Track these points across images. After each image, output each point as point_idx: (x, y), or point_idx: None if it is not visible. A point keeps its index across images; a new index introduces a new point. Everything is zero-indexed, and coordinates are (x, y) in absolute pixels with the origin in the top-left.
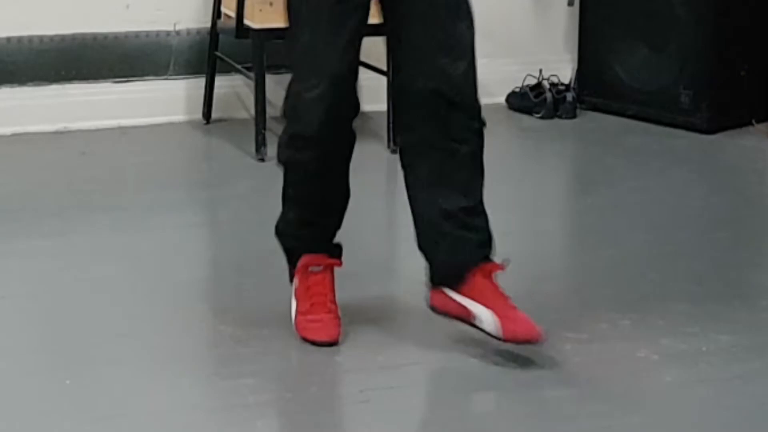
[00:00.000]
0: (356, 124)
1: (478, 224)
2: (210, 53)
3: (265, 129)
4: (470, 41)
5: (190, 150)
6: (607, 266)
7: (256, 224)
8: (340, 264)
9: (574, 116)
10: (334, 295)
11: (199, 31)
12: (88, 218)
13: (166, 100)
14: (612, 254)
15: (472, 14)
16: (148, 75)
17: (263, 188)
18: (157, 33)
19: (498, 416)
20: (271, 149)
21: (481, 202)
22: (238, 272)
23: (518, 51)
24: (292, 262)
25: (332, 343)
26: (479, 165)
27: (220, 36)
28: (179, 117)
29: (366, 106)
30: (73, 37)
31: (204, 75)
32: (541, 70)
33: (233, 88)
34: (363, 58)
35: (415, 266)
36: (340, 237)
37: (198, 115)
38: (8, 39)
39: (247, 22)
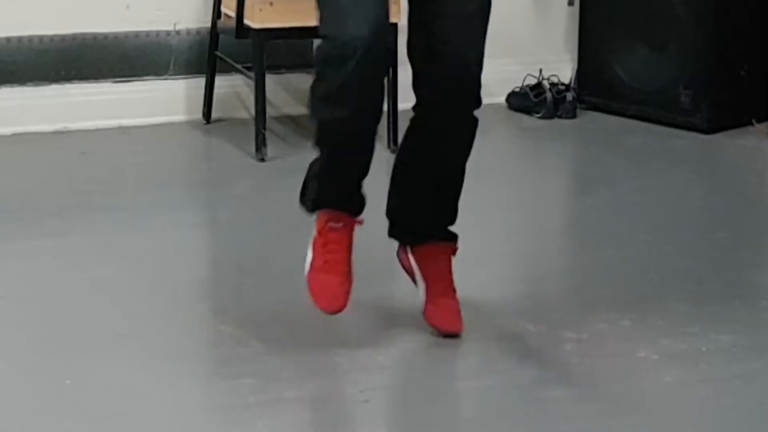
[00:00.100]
0: None
1: (453, 204)
2: (210, 53)
3: (265, 129)
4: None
5: (190, 150)
6: (607, 266)
7: (256, 224)
8: (361, 222)
9: (574, 116)
10: (350, 255)
11: (199, 31)
12: (88, 218)
13: (166, 100)
14: (612, 254)
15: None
16: (148, 75)
17: (263, 188)
18: (157, 33)
19: (498, 416)
20: (271, 149)
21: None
22: (238, 272)
23: (518, 51)
24: (312, 204)
25: (335, 313)
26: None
27: (220, 36)
28: (179, 117)
29: None
30: (73, 37)
31: (204, 75)
32: (541, 70)
33: (233, 88)
34: None
35: None
36: None
37: (198, 115)
38: (8, 39)
39: (247, 22)
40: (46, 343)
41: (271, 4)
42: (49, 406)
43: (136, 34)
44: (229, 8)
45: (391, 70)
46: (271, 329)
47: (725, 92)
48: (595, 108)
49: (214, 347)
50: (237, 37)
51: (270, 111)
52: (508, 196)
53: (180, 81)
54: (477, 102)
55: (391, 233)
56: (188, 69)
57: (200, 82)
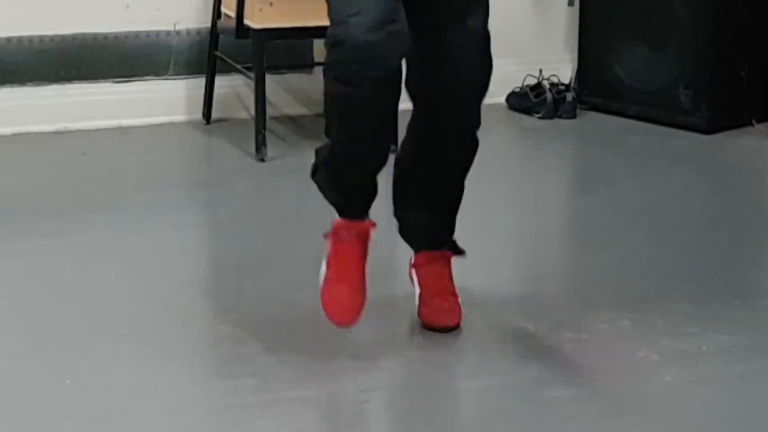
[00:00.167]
0: None
1: (450, 218)
2: (210, 53)
3: (265, 129)
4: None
5: (190, 150)
6: (607, 266)
7: (256, 224)
8: (373, 225)
9: (574, 116)
10: (362, 264)
11: (199, 31)
12: (88, 218)
13: (166, 100)
14: (612, 254)
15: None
16: (148, 75)
17: (263, 188)
18: (157, 33)
19: (498, 416)
20: (271, 149)
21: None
22: (238, 272)
23: (518, 51)
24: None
25: (349, 325)
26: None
27: (220, 36)
28: (179, 117)
29: None
30: (73, 37)
31: (204, 75)
32: (541, 70)
33: (233, 88)
34: None
35: None
36: None
37: (198, 115)
38: (8, 39)
39: (247, 22)
40: (46, 343)
41: (271, 4)
42: (49, 406)
43: (136, 34)
44: (229, 8)
45: None
46: (271, 329)
47: (725, 92)
48: (595, 108)
49: (214, 347)
50: (237, 37)
51: (270, 111)
52: (508, 196)
53: (180, 81)
54: (478, 123)
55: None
56: (188, 69)
57: (200, 82)
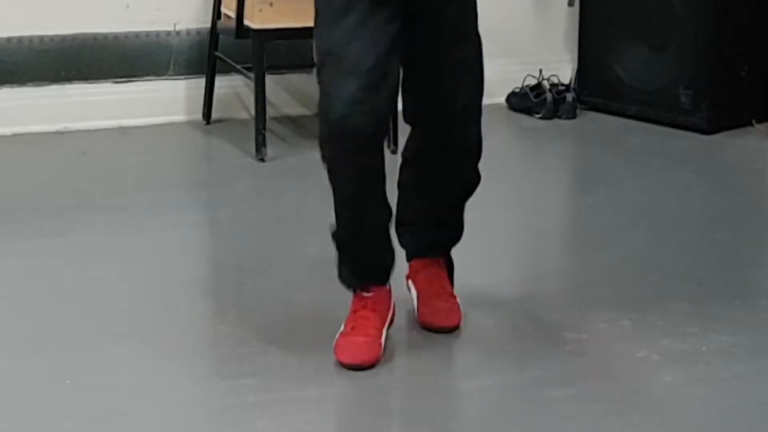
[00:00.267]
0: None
1: (450, 229)
2: (210, 53)
3: (265, 129)
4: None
5: (190, 150)
6: (607, 266)
7: (256, 224)
8: (390, 291)
9: (574, 116)
10: (381, 323)
11: (199, 31)
12: (88, 218)
13: (166, 100)
14: (612, 254)
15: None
16: (148, 75)
17: (263, 188)
18: (157, 33)
19: (498, 416)
20: (271, 149)
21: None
22: (238, 272)
23: (518, 51)
24: (346, 272)
25: (361, 366)
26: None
27: (220, 36)
28: (179, 117)
29: None
30: (73, 37)
31: (204, 75)
32: (541, 70)
33: (233, 88)
34: None
35: None
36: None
37: (198, 115)
38: (8, 39)
39: (247, 22)
40: (46, 343)
41: (271, 4)
42: (49, 406)
43: (136, 34)
44: (229, 8)
45: None
46: (271, 329)
47: (725, 92)
48: (595, 108)
49: (214, 347)
50: (237, 37)
51: (270, 111)
52: (508, 196)
53: (180, 81)
54: (474, 147)
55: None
56: (188, 69)
57: (200, 82)
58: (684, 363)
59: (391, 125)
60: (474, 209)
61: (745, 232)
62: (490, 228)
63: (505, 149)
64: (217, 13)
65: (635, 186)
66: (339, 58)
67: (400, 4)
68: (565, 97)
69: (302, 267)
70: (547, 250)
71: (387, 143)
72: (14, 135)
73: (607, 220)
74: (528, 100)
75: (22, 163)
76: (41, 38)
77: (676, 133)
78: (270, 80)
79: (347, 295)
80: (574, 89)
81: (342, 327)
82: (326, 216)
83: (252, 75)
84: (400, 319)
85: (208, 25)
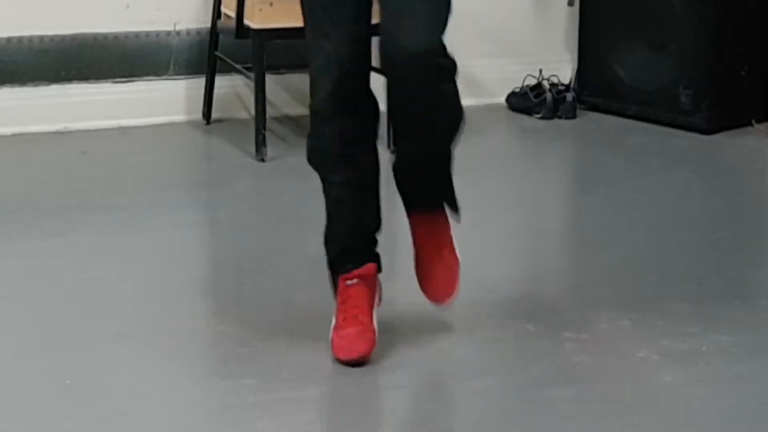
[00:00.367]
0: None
1: (438, 182)
2: (210, 53)
3: (265, 129)
4: None
5: (190, 150)
6: (607, 266)
7: (256, 224)
8: (376, 270)
9: (574, 116)
10: (370, 308)
11: (199, 31)
12: (88, 218)
13: (166, 100)
14: (612, 254)
15: None
16: (148, 75)
17: (263, 188)
18: (157, 33)
19: (498, 416)
20: (271, 149)
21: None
22: (238, 272)
23: (518, 51)
24: (333, 276)
25: (358, 361)
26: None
27: (220, 36)
28: (179, 117)
29: None
30: (73, 37)
31: (204, 75)
32: (541, 70)
33: (233, 88)
34: None
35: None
36: None
37: (198, 115)
38: (8, 39)
39: (247, 22)
40: (46, 343)
41: (271, 4)
42: (49, 406)
43: (136, 34)
44: (229, 8)
45: None
46: (271, 329)
47: (725, 92)
48: (595, 108)
49: (214, 347)
50: (237, 37)
51: (270, 111)
52: (508, 196)
53: (180, 81)
54: (439, 74)
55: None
56: (188, 69)
57: (200, 82)
58: (684, 363)
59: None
60: (474, 209)
61: (745, 232)
62: (490, 228)
63: (505, 149)
64: (217, 13)
65: (635, 186)
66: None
67: None
68: (565, 97)
69: (302, 267)
70: (547, 250)
71: (387, 143)
72: (14, 135)
73: (607, 220)
74: (528, 100)
75: (22, 163)
76: (41, 38)
77: (676, 133)
78: (270, 80)
79: None
80: (574, 89)
81: (333, 320)
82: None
83: (252, 75)
84: (400, 319)
85: (208, 25)
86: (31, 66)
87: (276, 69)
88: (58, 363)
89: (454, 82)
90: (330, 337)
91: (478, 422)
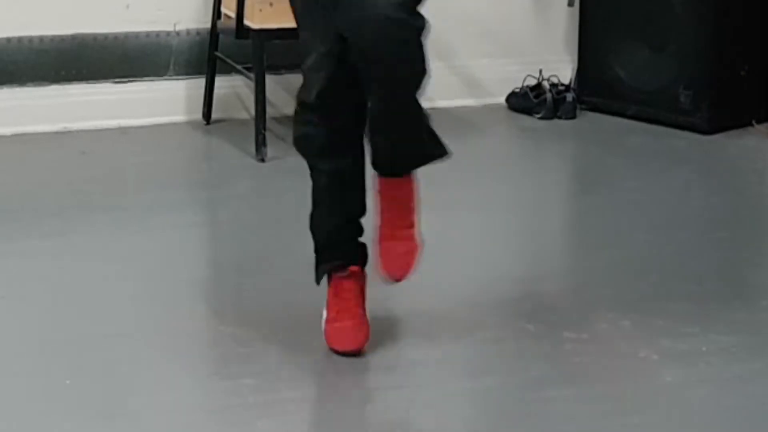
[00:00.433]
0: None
1: (407, 143)
2: (210, 53)
3: (265, 129)
4: None
5: (190, 150)
6: (607, 266)
7: (256, 224)
8: (364, 266)
9: (574, 116)
10: (362, 301)
11: (199, 31)
12: (88, 218)
13: (166, 100)
14: (612, 254)
15: None
16: (148, 75)
17: (263, 188)
18: (157, 33)
19: (498, 416)
20: (271, 149)
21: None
22: (238, 272)
23: (518, 51)
24: (318, 264)
25: (357, 352)
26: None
27: (220, 36)
28: (179, 117)
29: None
30: (73, 37)
31: (204, 75)
32: (541, 71)
33: (233, 88)
34: None
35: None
36: None
37: (198, 115)
38: (8, 39)
39: (247, 22)
40: (46, 343)
41: (271, 4)
42: (49, 406)
43: (136, 34)
44: (229, 8)
45: None
46: (271, 329)
47: (725, 92)
48: (595, 108)
49: (214, 347)
50: (237, 37)
51: (270, 111)
52: (508, 196)
53: (180, 81)
54: (398, 27)
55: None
56: (188, 69)
57: (200, 82)
58: (684, 363)
59: None
60: (474, 209)
61: (745, 232)
62: (490, 228)
63: (505, 149)
64: (217, 13)
65: (635, 186)
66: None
67: None
68: (565, 97)
69: (302, 267)
70: (547, 250)
71: None
72: (14, 135)
73: (607, 220)
74: (528, 100)
75: (22, 163)
76: (41, 38)
77: (676, 133)
78: (270, 80)
79: None
80: (574, 89)
81: (324, 314)
82: None
83: (252, 75)
84: (400, 319)
85: (208, 25)
86: (31, 66)
87: (276, 69)
88: (58, 363)
89: (422, 43)
90: (323, 328)
91: (478, 422)
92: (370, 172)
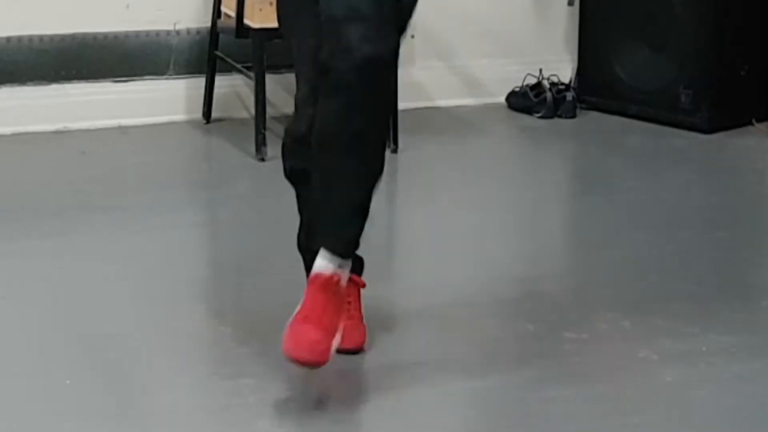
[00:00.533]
0: None
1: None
2: (210, 53)
3: (265, 129)
4: None
5: (190, 150)
6: (607, 266)
7: (256, 224)
8: (361, 282)
9: (574, 116)
10: (358, 305)
11: (199, 31)
12: (88, 218)
13: (166, 100)
14: (612, 254)
15: None
16: (148, 75)
17: (263, 188)
18: (157, 33)
19: (498, 416)
20: (271, 149)
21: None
22: (238, 272)
23: (518, 51)
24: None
25: (356, 350)
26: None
27: (220, 36)
28: (179, 117)
29: None
30: (73, 37)
31: (204, 75)
32: (541, 70)
33: (233, 88)
34: None
35: (415, 266)
36: None
37: (198, 115)
38: (8, 39)
39: (247, 21)
40: (45, 343)
41: (271, 3)
42: (49, 406)
43: (136, 34)
44: (229, 8)
45: None
46: (271, 329)
47: (725, 92)
48: (595, 108)
49: (214, 347)
50: (237, 36)
51: (270, 111)
52: (508, 196)
53: (180, 81)
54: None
55: None
56: (188, 69)
57: (200, 81)
58: (684, 363)
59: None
60: (474, 209)
61: (745, 232)
62: (490, 228)
63: (505, 149)
64: (217, 13)
65: (635, 186)
66: None
67: None
68: (565, 97)
69: (302, 267)
70: (547, 250)
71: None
72: (14, 135)
73: (607, 220)
74: (528, 100)
75: (22, 163)
76: (41, 38)
77: (676, 133)
78: (270, 80)
79: None
80: (574, 89)
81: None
82: None
83: (252, 74)
84: (400, 319)
85: (208, 24)
86: (31, 66)
87: (276, 69)
88: (58, 363)
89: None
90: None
91: (478, 422)
92: None
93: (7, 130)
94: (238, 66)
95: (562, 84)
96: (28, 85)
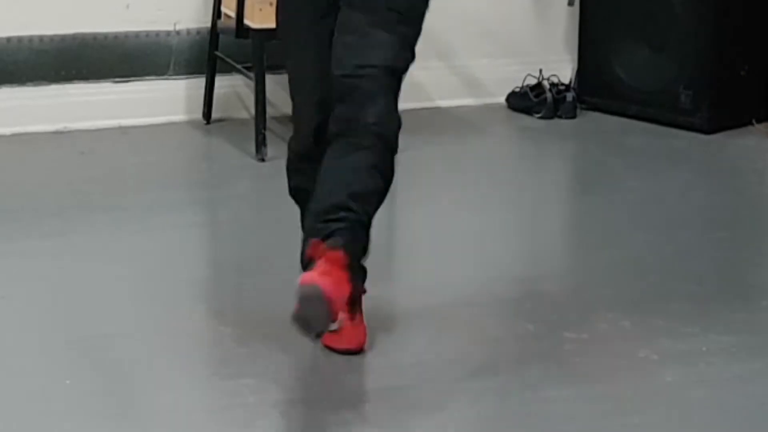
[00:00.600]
0: None
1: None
2: (210, 53)
3: (265, 129)
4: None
5: (190, 150)
6: (607, 266)
7: (256, 224)
8: (363, 290)
9: (574, 116)
10: (358, 305)
11: (199, 31)
12: (88, 218)
13: (166, 100)
14: (612, 254)
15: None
16: (148, 75)
17: (263, 188)
18: (157, 33)
19: (498, 416)
20: (271, 149)
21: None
22: (238, 272)
23: (518, 51)
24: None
25: (356, 350)
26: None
27: (220, 36)
28: (179, 117)
29: None
30: (73, 37)
31: (204, 75)
32: (541, 70)
33: (233, 88)
34: None
35: (415, 266)
36: None
37: (198, 115)
38: (8, 39)
39: (247, 21)
40: (45, 343)
41: (271, 4)
42: (49, 406)
43: (136, 34)
44: (229, 8)
45: None
46: (271, 329)
47: (725, 92)
48: (595, 108)
49: (214, 347)
50: (237, 37)
51: (270, 111)
52: (508, 196)
53: (180, 81)
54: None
55: None
56: (188, 69)
57: (200, 82)
58: (684, 363)
59: None
60: (474, 209)
61: (745, 232)
62: (490, 228)
63: (505, 149)
64: (217, 13)
65: (635, 186)
66: None
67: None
68: (565, 97)
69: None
70: (547, 250)
71: None
72: (14, 135)
73: (607, 220)
74: (528, 100)
75: (22, 163)
76: (41, 38)
77: (676, 133)
78: (270, 80)
79: None
80: (574, 89)
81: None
82: None
83: (252, 75)
84: (400, 319)
85: (208, 24)
86: (31, 66)
87: (276, 69)
88: (58, 363)
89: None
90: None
91: (479, 422)
92: None
93: (7, 130)
94: (238, 66)
95: (562, 84)
96: (28, 85)
